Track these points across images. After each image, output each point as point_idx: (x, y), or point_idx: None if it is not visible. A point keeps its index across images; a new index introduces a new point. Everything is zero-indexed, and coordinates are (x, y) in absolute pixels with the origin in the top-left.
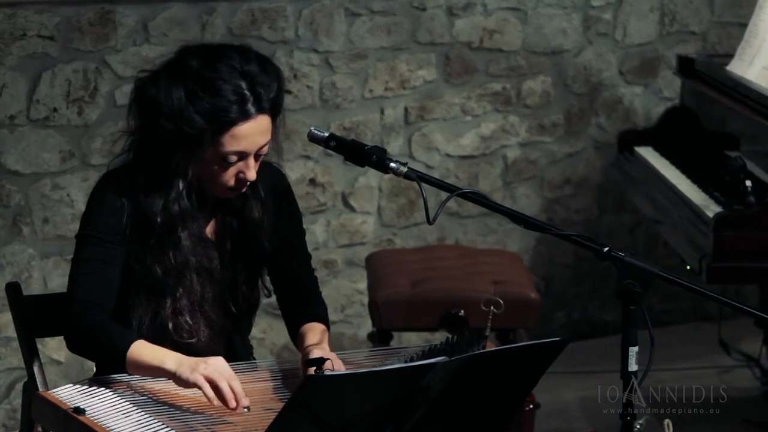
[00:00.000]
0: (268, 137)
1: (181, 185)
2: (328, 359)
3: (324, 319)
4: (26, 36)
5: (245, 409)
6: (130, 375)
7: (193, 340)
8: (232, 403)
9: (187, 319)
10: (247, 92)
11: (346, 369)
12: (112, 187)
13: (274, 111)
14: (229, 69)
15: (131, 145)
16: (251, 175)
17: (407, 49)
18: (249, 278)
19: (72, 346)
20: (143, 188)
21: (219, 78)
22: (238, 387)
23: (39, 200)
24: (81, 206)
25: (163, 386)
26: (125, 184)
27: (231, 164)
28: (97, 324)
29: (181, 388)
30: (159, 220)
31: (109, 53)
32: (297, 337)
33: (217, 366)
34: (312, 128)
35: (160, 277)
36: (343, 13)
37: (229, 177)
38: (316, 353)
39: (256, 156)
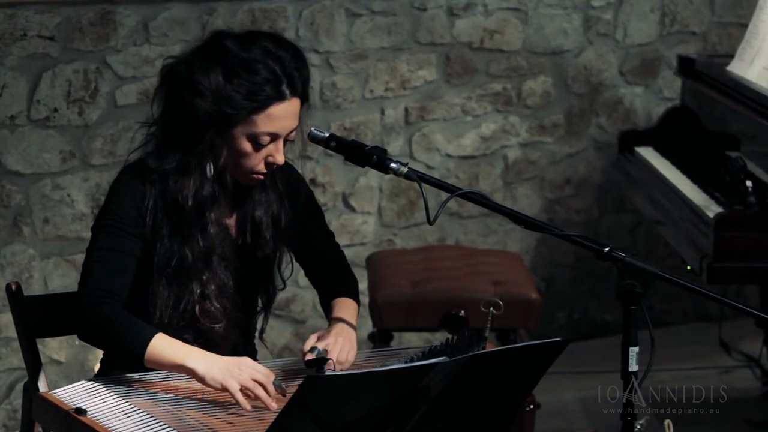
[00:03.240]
0: (297, 121)
1: (210, 169)
2: (330, 359)
3: (353, 293)
4: (27, 36)
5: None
6: (143, 368)
7: (219, 326)
8: (273, 407)
9: (215, 304)
10: (281, 74)
11: (347, 369)
12: (133, 179)
13: (304, 96)
14: (264, 51)
15: (155, 134)
16: (280, 158)
17: (408, 50)
18: (264, 270)
19: (84, 335)
20: (173, 172)
21: (254, 59)
22: (271, 389)
23: (39, 200)
24: (81, 206)
25: (165, 386)
26: (148, 173)
27: (262, 146)
28: (114, 314)
29: (181, 387)
30: (190, 203)
31: (109, 53)
32: (327, 311)
33: (250, 372)
34: (312, 128)
35: (189, 261)
36: (343, 13)
37: (259, 160)
38: (332, 335)
39: (284, 141)
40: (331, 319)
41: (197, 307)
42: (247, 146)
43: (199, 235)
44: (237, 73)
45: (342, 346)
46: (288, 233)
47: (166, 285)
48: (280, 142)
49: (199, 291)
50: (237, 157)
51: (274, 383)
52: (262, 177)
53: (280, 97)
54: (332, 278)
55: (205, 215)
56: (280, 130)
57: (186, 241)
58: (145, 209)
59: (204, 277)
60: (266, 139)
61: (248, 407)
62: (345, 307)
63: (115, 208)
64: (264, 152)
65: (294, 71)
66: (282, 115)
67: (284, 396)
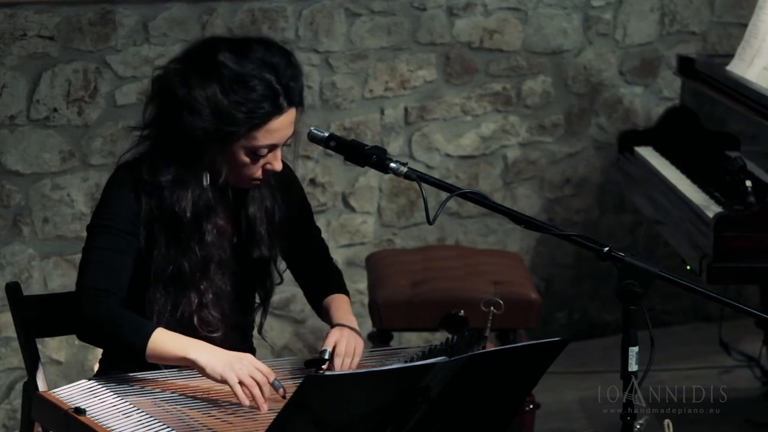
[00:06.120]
0: (293, 129)
1: (207, 179)
2: (329, 359)
3: (342, 288)
4: (26, 36)
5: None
6: (143, 368)
7: (218, 334)
8: (264, 408)
9: (213, 312)
10: (278, 86)
11: (346, 369)
12: (127, 180)
13: (300, 104)
14: (258, 63)
15: (148, 139)
16: (278, 165)
17: (407, 49)
18: (261, 268)
19: (84, 335)
20: (170, 183)
21: (250, 73)
22: (267, 390)
23: (39, 200)
24: (81, 206)
25: (164, 385)
26: (143, 177)
27: (261, 157)
28: (113, 312)
29: (180, 386)
30: (188, 215)
31: (109, 53)
32: (321, 310)
33: (250, 369)
34: (312, 128)
35: (186, 271)
36: (343, 13)
37: (257, 169)
38: (336, 331)
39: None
40: (329, 317)
41: (195, 317)
42: (246, 159)
43: (197, 246)
44: (234, 90)
45: (348, 340)
46: (282, 227)
47: (163, 292)
48: (278, 150)
49: (196, 300)
50: (236, 168)
51: (273, 384)
52: (259, 182)
53: (279, 111)
54: (320, 275)
55: (203, 225)
56: (279, 140)
57: (184, 251)
58: (140, 215)
59: (202, 287)
60: (265, 151)
61: (246, 402)
62: (341, 304)
63: (110, 208)
64: (262, 161)
65: (290, 81)
66: (280, 126)
67: (283, 398)
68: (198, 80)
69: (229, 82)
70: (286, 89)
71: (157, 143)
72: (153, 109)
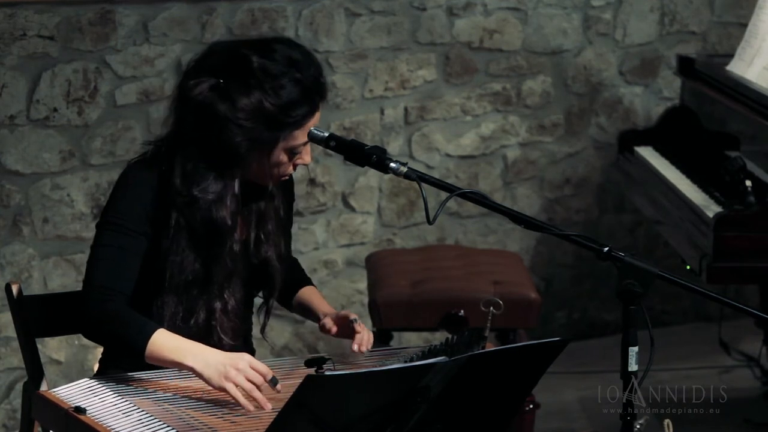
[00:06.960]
0: None
1: (238, 186)
2: (329, 359)
3: (309, 280)
4: (26, 36)
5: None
6: (143, 367)
7: (234, 343)
8: (267, 407)
9: (234, 320)
10: (311, 86)
11: (346, 369)
12: (142, 180)
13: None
14: (287, 64)
15: (173, 147)
16: (309, 158)
17: (407, 49)
18: (268, 264)
19: (88, 332)
20: (207, 193)
21: (285, 75)
22: (266, 389)
23: (39, 200)
24: (81, 206)
25: (164, 385)
26: (172, 183)
27: (297, 153)
28: (117, 310)
29: (180, 386)
30: (230, 222)
31: (109, 53)
32: (294, 302)
33: (246, 372)
34: (312, 128)
35: (218, 280)
36: (343, 13)
37: (290, 165)
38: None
39: None
40: (314, 308)
41: (218, 326)
42: (284, 158)
43: (228, 256)
44: (275, 96)
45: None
46: (285, 223)
47: (175, 298)
48: (309, 144)
49: (220, 307)
50: (272, 168)
51: (268, 380)
52: (287, 177)
53: (315, 109)
54: (289, 272)
55: (234, 234)
56: None
57: (215, 260)
58: (153, 216)
59: (225, 295)
60: (302, 147)
61: (251, 408)
62: (320, 297)
63: (121, 206)
64: (296, 157)
65: (319, 77)
66: (315, 121)
67: (277, 392)
68: (238, 93)
69: (267, 89)
70: (318, 86)
71: (193, 157)
72: (183, 124)
